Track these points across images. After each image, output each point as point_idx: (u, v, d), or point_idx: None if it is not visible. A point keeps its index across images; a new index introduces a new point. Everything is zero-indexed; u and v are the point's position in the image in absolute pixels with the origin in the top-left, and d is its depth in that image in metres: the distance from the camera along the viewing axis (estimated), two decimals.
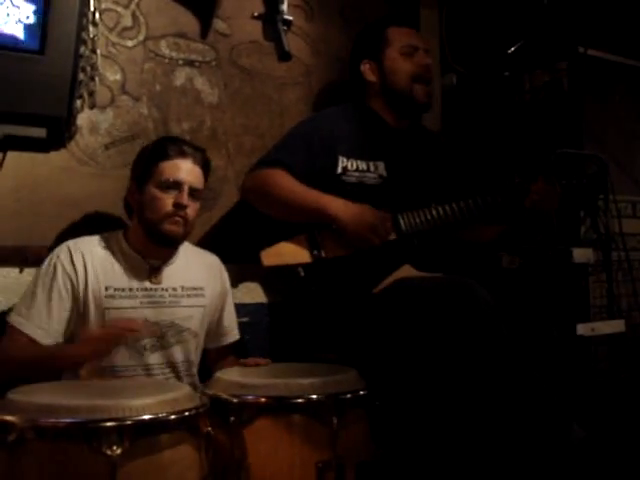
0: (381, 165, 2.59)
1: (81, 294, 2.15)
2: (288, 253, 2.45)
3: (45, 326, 2.09)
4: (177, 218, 2.18)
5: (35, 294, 2.12)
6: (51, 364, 2.04)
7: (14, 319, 2.10)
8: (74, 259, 2.16)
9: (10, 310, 2.17)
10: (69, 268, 2.15)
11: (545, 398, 2.03)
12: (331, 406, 1.89)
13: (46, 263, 2.16)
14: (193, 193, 2.20)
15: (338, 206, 2.41)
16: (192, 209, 2.21)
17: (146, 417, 1.59)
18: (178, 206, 2.17)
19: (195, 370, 2.33)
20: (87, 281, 2.15)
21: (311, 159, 2.51)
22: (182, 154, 2.21)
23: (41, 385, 1.85)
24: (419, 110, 2.71)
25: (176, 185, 2.18)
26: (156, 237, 2.20)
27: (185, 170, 2.20)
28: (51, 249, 2.23)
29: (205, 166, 2.27)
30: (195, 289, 2.32)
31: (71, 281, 2.14)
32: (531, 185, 2.55)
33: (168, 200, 2.17)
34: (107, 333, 2.06)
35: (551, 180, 2.55)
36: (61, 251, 2.18)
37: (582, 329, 2.64)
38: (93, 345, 2.02)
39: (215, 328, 2.42)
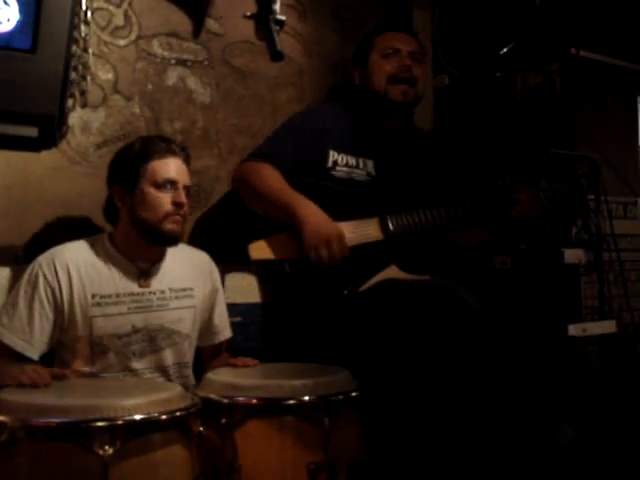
0: (370, 163, 2.60)
1: (66, 304, 2.11)
2: (276, 248, 2.43)
3: (26, 337, 2.06)
4: (177, 217, 2.16)
5: (17, 304, 2.09)
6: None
7: None
8: (57, 268, 2.12)
9: None
10: (51, 278, 2.11)
11: (533, 398, 2.03)
12: (323, 407, 1.89)
13: (28, 272, 2.12)
14: (186, 190, 2.20)
15: (306, 210, 2.36)
16: (187, 206, 2.20)
17: (138, 417, 1.59)
18: (177, 205, 2.15)
19: (189, 371, 2.32)
20: (72, 290, 2.12)
21: (301, 151, 2.52)
22: (172, 152, 2.19)
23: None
24: (397, 110, 2.69)
25: (172, 184, 2.16)
26: (155, 237, 2.18)
27: (177, 168, 2.19)
28: (42, 248, 2.22)
29: (189, 163, 2.27)
30: (184, 290, 2.30)
31: (53, 291, 2.10)
32: (516, 194, 2.57)
33: (166, 199, 2.15)
34: (39, 378, 1.92)
35: (535, 189, 2.57)
36: (44, 260, 2.14)
37: (573, 330, 2.64)
38: (25, 379, 1.90)
39: (206, 327, 2.40)
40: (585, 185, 2.79)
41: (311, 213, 2.36)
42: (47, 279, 2.10)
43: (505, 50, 2.85)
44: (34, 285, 2.10)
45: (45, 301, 2.09)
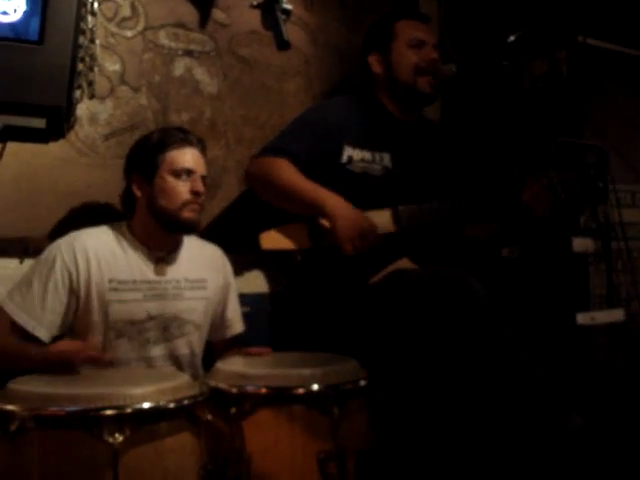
0: (387, 156, 2.59)
1: (82, 288, 2.13)
2: (287, 238, 2.45)
3: (38, 317, 2.08)
4: (195, 205, 2.20)
5: (31, 283, 2.10)
6: (20, 361, 1.99)
7: (8, 306, 2.08)
8: (76, 252, 2.14)
9: None
10: (69, 261, 2.13)
11: (542, 387, 2.03)
12: (332, 396, 1.88)
13: (46, 253, 2.14)
14: (203, 180, 2.24)
15: (335, 204, 2.40)
16: (204, 196, 2.24)
17: (146, 405, 1.60)
18: (196, 193, 2.19)
19: (199, 362, 2.33)
20: (89, 274, 2.14)
21: (316, 147, 2.51)
22: (189, 143, 2.23)
23: (41, 375, 1.85)
24: (424, 101, 2.71)
25: (189, 173, 2.20)
26: (173, 226, 2.21)
27: (194, 158, 2.23)
28: (51, 239, 2.23)
29: (205, 154, 2.30)
30: (198, 281, 2.32)
31: (70, 274, 2.12)
32: (529, 185, 2.56)
33: (184, 188, 2.19)
34: (74, 353, 1.97)
35: (552, 184, 2.55)
36: (63, 242, 2.16)
37: (582, 318, 2.63)
38: (59, 358, 1.96)
39: (219, 321, 2.42)
40: (593, 173, 2.78)
41: (340, 206, 2.39)
42: (65, 261, 2.12)
43: (512, 38, 2.84)
44: (51, 266, 2.11)
45: (60, 283, 2.11)
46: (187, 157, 2.21)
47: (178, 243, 2.30)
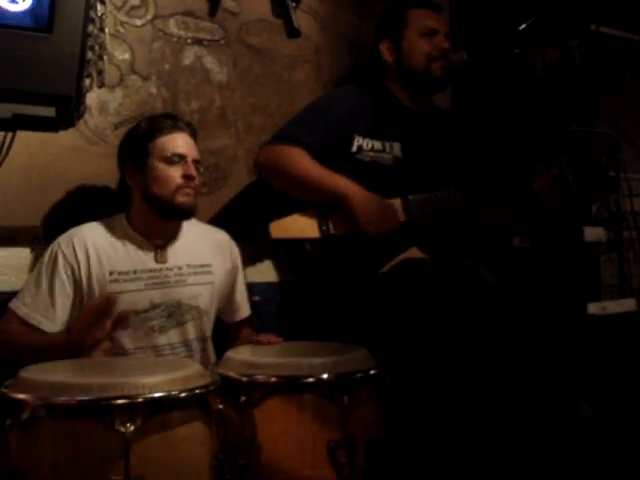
0: (397, 146, 2.59)
1: (84, 281, 2.16)
2: (297, 227, 2.45)
3: (50, 316, 2.11)
4: (188, 190, 2.21)
5: (39, 283, 2.13)
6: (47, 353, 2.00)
7: (20, 308, 2.11)
8: (76, 247, 2.17)
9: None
10: (70, 257, 2.15)
11: (553, 377, 2.03)
12: (342, 385, 1.88)
13: (48, 252, 2.17)
14: (195, 164, 2.24)
15: (354, 191, 2.40)
16: (197, 180, 2.25)
17: (158, 395, 1.60)
18: (188, 177, 2.20)
19: (210, 346, 2.36)
20: (90, 268, 2.16)
21: (326, 136, 2.50)
22: (178, 128, 2.25)
23: (53, 363, 1.86)
24: (436, 87, 2.69)
25: (180, 158, 2.21)
26: (168, 211, 2.22)
27: (184, 143, 2.24)
28: (61, 228, 2.23)
29: (196, 138, 2.31)
30: (202, 266, 2.33)
31: (72, 269, 2.15)
32: (540, 175, 2.55)
33: (175, 173, 2.20)
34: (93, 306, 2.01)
35: (563, 174, 2.54)
36: (62, 240, 2.19)
37: (593, 308, 2.62)
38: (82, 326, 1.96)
39: (228, 304, 2.45)
40: (605, 162, 2.76)
41: (359, 192, 2.40)
42: (66, 257, 2.15)
43: (524, 26, 2.81)
44: (54, 264, 2.14)
45: (65, 279, 2.14)
46: (177, 142, 2.22)
47: (177, 230, 2.32)
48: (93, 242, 2.19)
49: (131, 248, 2.23)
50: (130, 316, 2.16)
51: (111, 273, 2.18)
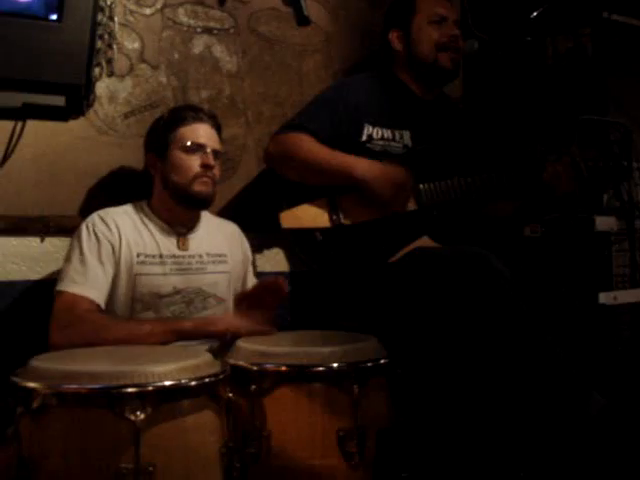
0: (407, 135, 2.59)
1: (116, 260, 2.18)
2: (307, 216, 2.46)
3: (104, 289, 2.13)
4: (205, 179, 2.24)
5: (85, 261, 2.13)
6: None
7: (73, 289, 2.09)
8: (110, 226, 2.19)
9: (32, 279, 2.18)
10: (108, 234, 2.18)
11: (564, 367, 2.02)
12: (352, 374, 1.88)
13: (85, 232, 2.17)
14: (215, 154, 2.27)
15: (364, 167, 2.41)
16: (217, 169, 2.29)
17: (168, 383, 1.60)
18: (206, 167, 2.24)
19: None
20: (121, 247, 2.19)
21: (336, 126, 2.51)
22: (199, 119, 2.28)
23: (63, 352, 1.87)
24: (444, 78, 2.69)
25: (199, 148, 2.24)
26: (187, 200, 2.26)
27: (205, 133, 2.27)
28: (71, 218, 2.24)
29: (219, 130, 2.34)
30: (219, 256, 2.36)
31: (112, 246, 2.18)
32: (552, 163, 2.53)
33: (194, 162, 2.23)
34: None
35: (575, 162, 2.52)
36: (95, 219, 2.21)
37: (604, 298, 2.62)
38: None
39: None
40: (617, 151, 2.74)
41: (369, 167, 2.42)
42: (105, 235, 2.18)
43: (535, 14, 2.80)
44: (96, 240, 2.16)
45: (110, 255, 2.17)
46: (197, 133, 2.25)
47: (197, 219, 2.35)
48: (122, 223, 2.22)
49: (155, 233, 2.27)
50: (153, 299, 2.21)
51: (138, 255, 2.21)
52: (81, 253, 2.14)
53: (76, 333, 2.00)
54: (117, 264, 2.18)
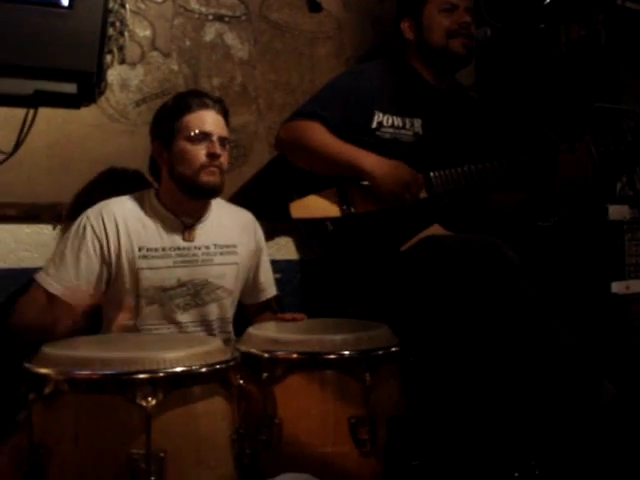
0: (418, 122, 2.58)
1: (113, 256, 2.15)
2: (317, 206, 2.45)
3: (73, 287, 2.09)
4: (212, 168, 2.18)
5: (64, 255, 2.12)
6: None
7: (44, 279, 2.10)
8: (105, 221, 2.16)
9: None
10: (99, 231, 2.14)
11: (575, 356, 2.02)
12: (364, 362, 1.89)
13: (77, 224, 2.16)
14: (222, 142, 2.21)
15: (372, 162, 2.40)
16: (224, 157, 2.22)
17: (179, 369, 1.61)
18: (212, 156, 2.17)
19: (230, 327, 2.35)
20: (119, 242, 2.16)
21: (347, 113, 2.50)
22: (204, 106, 2.21)
23: (75, 339, 1.87)
24: (457, 64, 2.67)
25: (205, 136, 2.18)
26: (193, 190, 2.20)
27: (211, 121, 2.20)
28: (83, 205, 2.24)
29: (226, 115, 2.27)
30: (228, 247, 2.32)
31: (100, 243, 2.14)
32: (564, 152, 2.52)
33: (200, 152, 2.17)
34: None
35: (587, 147, 2.50)
36: (92, 213, 2.18)
37: (617, 287, 2.61)
38: None
39: (252, 285, 2.44)
40: (630, 139, 2.73)
41: (378, 163, 2.41)
42: (95, 231, 2.14)
43: (548, 1, 2.78)
44: (82, 237, 2.13)
45: (92, 252, 2.13)
46: (202, 120, 2.19)
47: (205, 209, 2.30)
48: (123, 216, 2.19)
49: (160, 225, 2.23)
50: (158, 292, 2.18)
51: (140, 249, 2.18)
52: (64, 246, 2.14)
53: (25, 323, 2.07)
54: (109, 261, 2.15)
